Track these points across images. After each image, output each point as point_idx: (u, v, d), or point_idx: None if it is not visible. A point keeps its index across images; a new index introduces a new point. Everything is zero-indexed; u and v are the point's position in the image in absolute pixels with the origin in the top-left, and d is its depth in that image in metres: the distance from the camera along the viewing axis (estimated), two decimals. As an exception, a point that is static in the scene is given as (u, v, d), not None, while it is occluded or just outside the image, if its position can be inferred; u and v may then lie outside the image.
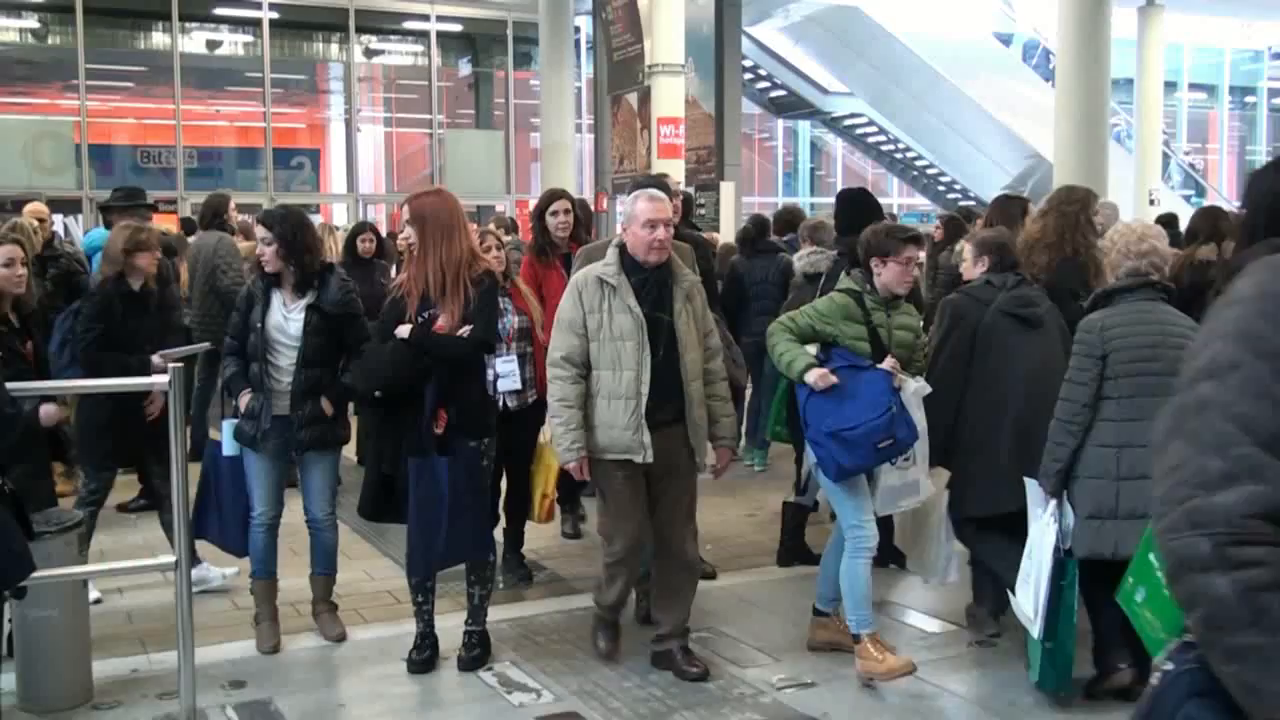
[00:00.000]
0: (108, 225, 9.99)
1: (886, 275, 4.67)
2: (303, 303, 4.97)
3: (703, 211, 16.40)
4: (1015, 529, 4.49)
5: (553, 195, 6.49)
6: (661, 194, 4.65)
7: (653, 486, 4.71)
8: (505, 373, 5.64)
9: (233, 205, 9.16)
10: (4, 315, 4.95)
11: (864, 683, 4.63)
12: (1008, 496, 4.52)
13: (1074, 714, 4.38)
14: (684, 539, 4.78)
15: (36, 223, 8.05)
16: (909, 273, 4.72)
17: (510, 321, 5.65)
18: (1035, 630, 4.29)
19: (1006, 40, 27.76)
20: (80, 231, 16.05)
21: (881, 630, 4.78)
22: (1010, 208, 6.15)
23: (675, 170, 18.74)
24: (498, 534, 5.29)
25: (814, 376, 4.52)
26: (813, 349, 4.66)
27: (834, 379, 4.51)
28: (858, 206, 5.85)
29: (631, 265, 4.58)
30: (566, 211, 6.34)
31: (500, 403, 5.54)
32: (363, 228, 8.67)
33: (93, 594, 5.30)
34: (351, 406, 5.34)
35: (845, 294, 4.71)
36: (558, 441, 4.58)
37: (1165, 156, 25.71)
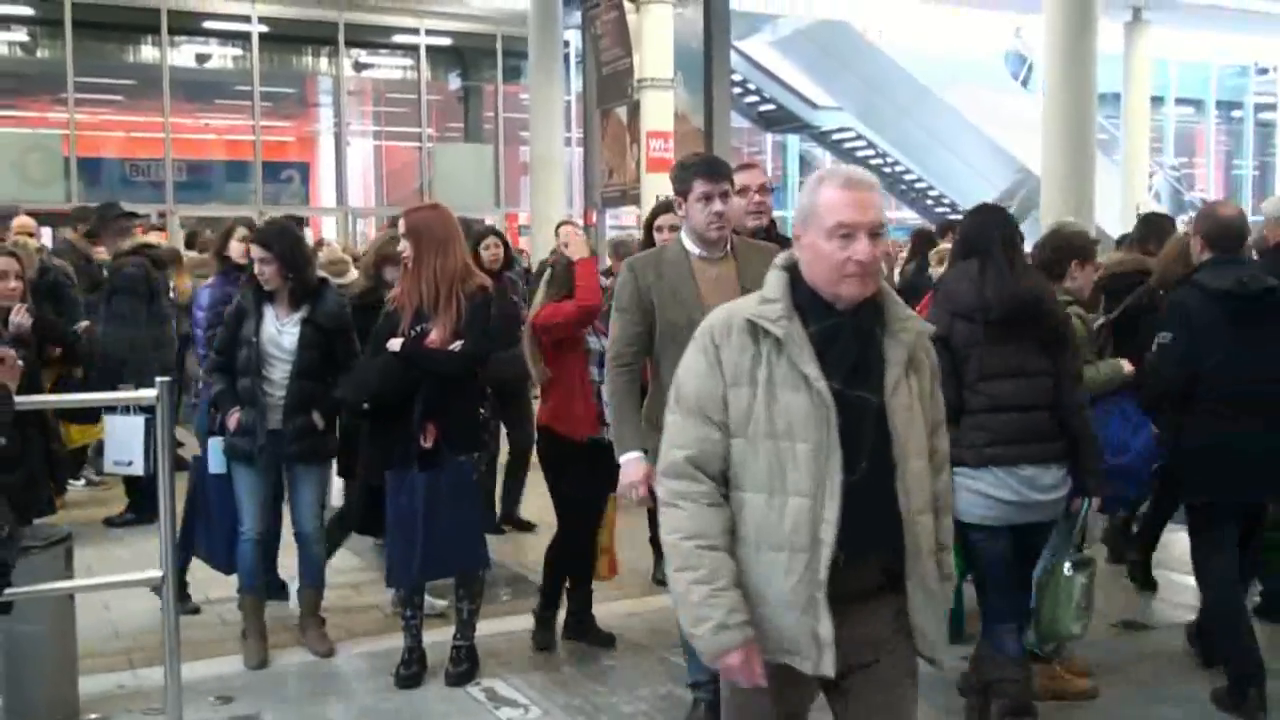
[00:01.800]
0: (62, 248, 10.05)
1: (1084, 278, 4.71)
2: (297, 316, 4.98)
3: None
4: None
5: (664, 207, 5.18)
6: (867, 179, 2.71)
7: (833, 704, 2.77)
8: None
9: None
10: None
11: None
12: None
13: None
14: None
15: (28, 237, 8.07)
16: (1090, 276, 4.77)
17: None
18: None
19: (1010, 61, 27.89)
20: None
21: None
22: (1161, 223, 6.48)
23: (664, 184, 18.78)
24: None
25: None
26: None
27: None
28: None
29: (810, 303, 2.62)
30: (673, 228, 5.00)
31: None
32: (486, 233, 7.11)
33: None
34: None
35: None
36: (694, 619, 2.56)
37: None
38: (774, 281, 2.67)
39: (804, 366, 2.54)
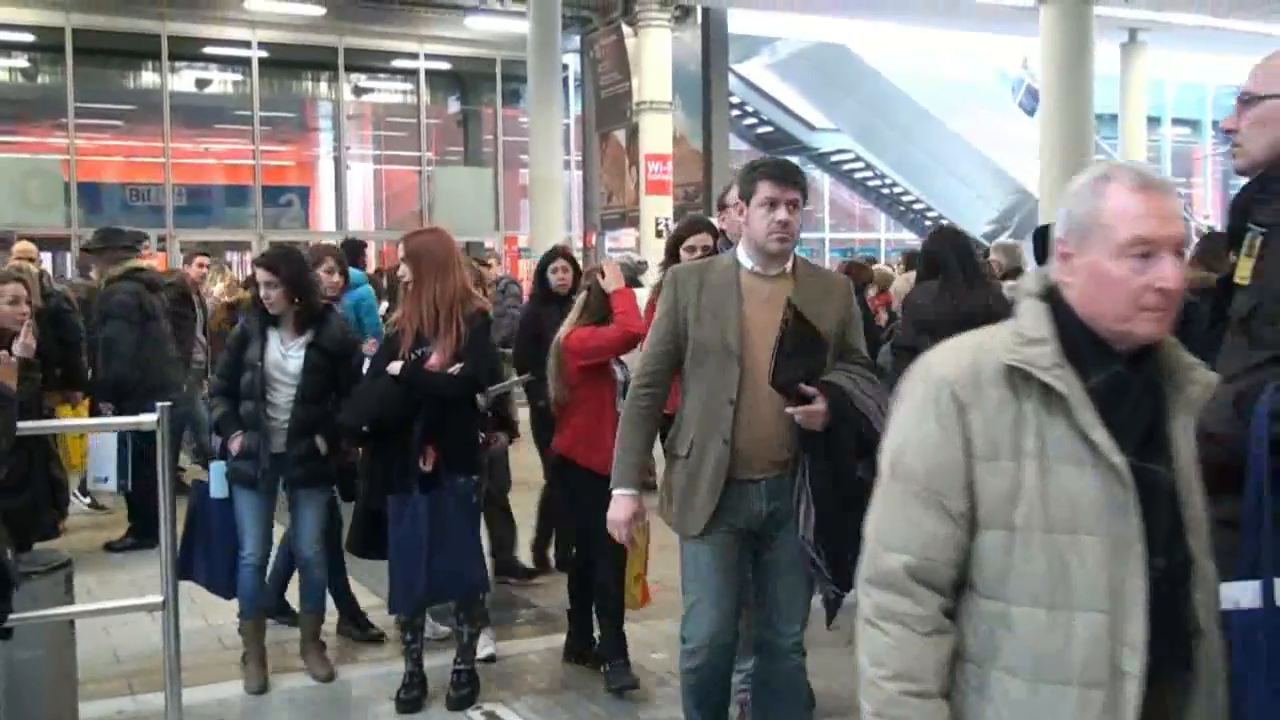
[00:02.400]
0: (85, 268, 10.17)
1: None
2: (302, 340, 4.99)
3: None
4: None
5: (695, 225, 5.02)
6: (1166, 180, 2.04)
7: None
8: None
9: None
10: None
11: None
12: None
13: None
14: None
15: (28, 262, 8.09)
16: None
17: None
18: None
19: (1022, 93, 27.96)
20: (69, 271, 16.09)
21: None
22: (1218, 242, 6.43)
23: (664, 207, 18.85)
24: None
25: None
26: None
27: None
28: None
29: (1085, 346, 1.95)
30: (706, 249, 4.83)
31: None
32: (554, 255, 6.38)
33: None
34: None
35: None
36: None
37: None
38: (1035, 314, 1.96)
39: (1092, 433, 1.87)
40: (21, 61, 21.19)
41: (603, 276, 4.95)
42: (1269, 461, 2.18)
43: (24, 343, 5.37)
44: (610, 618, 4.95)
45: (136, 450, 6.09)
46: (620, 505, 3.67)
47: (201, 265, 9.47)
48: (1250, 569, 2.19)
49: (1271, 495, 2.14)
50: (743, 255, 3.59)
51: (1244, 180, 2.59)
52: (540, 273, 6.37)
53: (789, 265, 3.58)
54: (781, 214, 3.45)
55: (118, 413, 7.04)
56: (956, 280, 4.69)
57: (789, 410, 3.38)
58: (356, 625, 5.69)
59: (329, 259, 6.09)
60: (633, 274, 5.00)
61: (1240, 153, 2.59)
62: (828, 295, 3.59)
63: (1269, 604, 2.19)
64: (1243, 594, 2.19)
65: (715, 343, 3.48)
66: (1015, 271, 6.75)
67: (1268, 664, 2.16)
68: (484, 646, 5.24)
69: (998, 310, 4.27)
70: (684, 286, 3.58)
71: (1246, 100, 2.57)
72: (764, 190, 3.47)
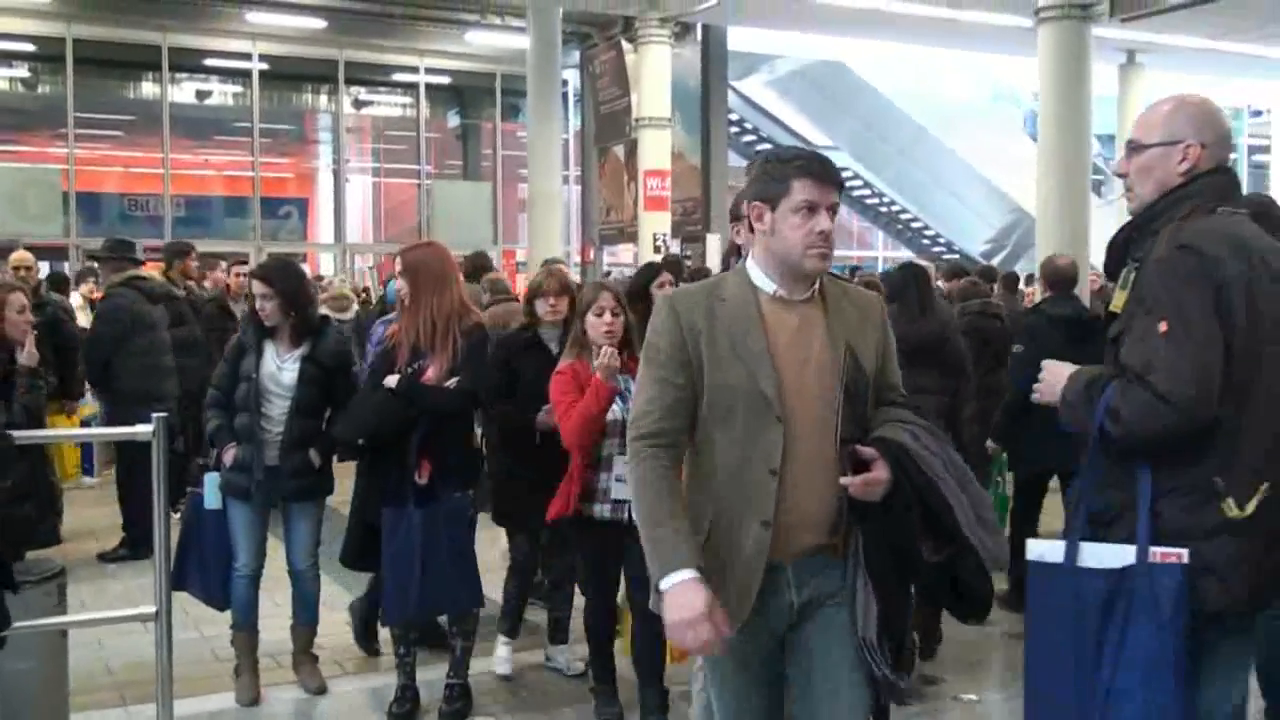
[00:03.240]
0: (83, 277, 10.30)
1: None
2: (297, 353, 4.99)
3: (689, 262, 16.45)
4: None
5: (658, 268, 5.02)
6: None
7: None
8: (623, 474, 4.30)
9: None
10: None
11: None
12: None
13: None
14: None
15: (24, 271, 8.10)
16: None
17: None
18: None
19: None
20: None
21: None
22: None
23: (662, 222, 18.89)
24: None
25: None
26: None
27: None
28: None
29: None
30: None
31: (625, 514, 4.42)
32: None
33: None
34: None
35: None
36: None
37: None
38: None
39: None
40: (22, 71, 21.25)
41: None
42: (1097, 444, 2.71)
43: (29, 351, 5.44)
44: (651, 656, 4.65)
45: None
46: (686, 598, 2.56)
47: (239, 275, 9.47)
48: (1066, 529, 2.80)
49: (1089, 468, 2.56)
50: (758, 275, 2.80)
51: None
52: (643, 287, 5.79)
53: (817, 285, 2.82)
54: (824, 222, 2.70)
55: (113, 421, 7.17)
56: (912, 308, 5.40)
57: (845, 481, 2.67)
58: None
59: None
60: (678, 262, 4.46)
61: (1131, 196, 2.93)
62: (865, 321, 2.86)
63: (1070, 562, 2.74)
64: (1050, 551, 2.78)
65: (744, 393, 2.69)
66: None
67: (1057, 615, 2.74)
68: (501, 663, 5.28)
69: (948, 335, 5.50)
70: (689, 316, 2.75)
71: (1134, 148, 2.90)
72: (801, 191, 2.69)
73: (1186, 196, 2.80)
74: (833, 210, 2.72)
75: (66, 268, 18.35)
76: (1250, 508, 2.63)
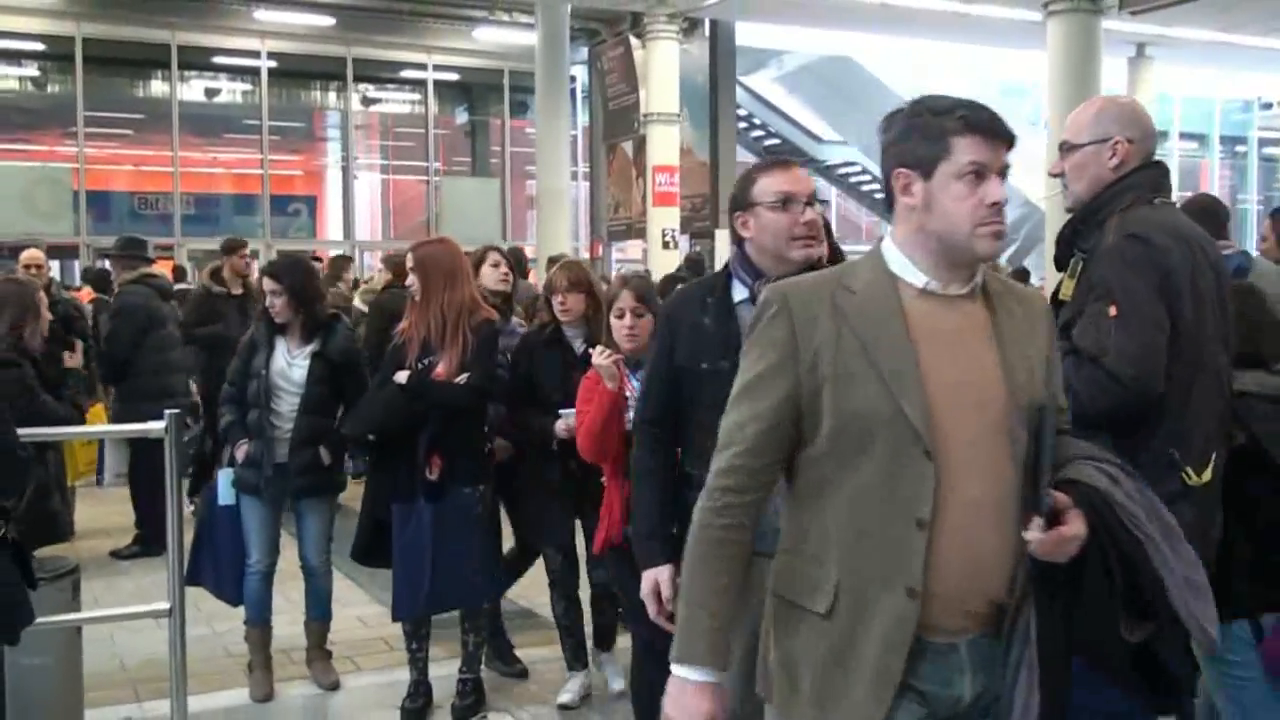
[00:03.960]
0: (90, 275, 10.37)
1: None
2: (308, 350, 5.01)
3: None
4: None
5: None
6: None
7: None
8: None
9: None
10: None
11: None
12: None
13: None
14: None
15: (35, 269, 8.15)
16: None
17: None
18: None
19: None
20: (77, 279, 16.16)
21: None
22: None
23: (670, 218, 18.88)
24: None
25: None
26: None
27: None
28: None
29: None
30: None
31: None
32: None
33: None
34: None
35: None
36: None
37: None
38: None
39: None
40: (31, 70, 21.27)
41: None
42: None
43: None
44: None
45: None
46: (692, 702, 2.11)
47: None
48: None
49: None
50: (901, 261, 2.13)
51: (1249, 196, 3.02)
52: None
53: (979, 279, 2.16)
54: (995, 191, 2.07)
55: (123, 416, 7.21)
56: None
57: (1028, 536, 2.02)
58: (503, 661, 5.41)
59: (494, 253, 5.75)
60: (644, 290, 4.31)
61: (1068, 193, 3.13)
62: (1032, 328, 2.19)
63: None
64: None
65: (880, 419, 2.01)
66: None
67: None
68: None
69: None
70: (806, 314, 2.08)
71: (1067, 149, 3.10)
72: (966, 150, 2.06)
73: (1128, 189, 2.99)
74: (1003, 173, 2.10)
75: (76, 267, 18.40)
76: (1207, 475, 2.83)
